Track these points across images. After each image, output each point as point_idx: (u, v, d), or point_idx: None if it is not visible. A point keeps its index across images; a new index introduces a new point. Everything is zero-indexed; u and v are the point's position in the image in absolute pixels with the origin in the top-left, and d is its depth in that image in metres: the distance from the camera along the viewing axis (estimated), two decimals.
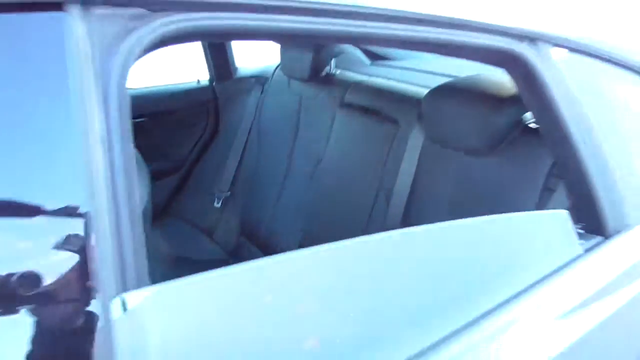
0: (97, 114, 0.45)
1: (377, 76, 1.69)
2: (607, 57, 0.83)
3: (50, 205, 0.44)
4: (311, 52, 1.68)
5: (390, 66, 1.86)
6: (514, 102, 1.03)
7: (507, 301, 0.65)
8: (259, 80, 2.04)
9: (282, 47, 1.84)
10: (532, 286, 0.68)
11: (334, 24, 0.59)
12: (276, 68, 1.99)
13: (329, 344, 0.53)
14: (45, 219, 0.44)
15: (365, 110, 1.53)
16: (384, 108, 1.49)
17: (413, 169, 1.34)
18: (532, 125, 1.07)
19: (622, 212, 0.79)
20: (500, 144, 1.11)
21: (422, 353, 0.57)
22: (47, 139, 0.45)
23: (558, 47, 0.77)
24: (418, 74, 1.67)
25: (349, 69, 1.81)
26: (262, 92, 2.01)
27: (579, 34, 0.82)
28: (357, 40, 1.19)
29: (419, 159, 1.33)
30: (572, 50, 0.79)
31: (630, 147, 0.82)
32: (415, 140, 1.35)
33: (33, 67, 0.45)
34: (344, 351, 0.54)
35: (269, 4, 0.54)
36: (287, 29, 0.57)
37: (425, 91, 1.26)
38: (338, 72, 1.79)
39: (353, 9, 0.59)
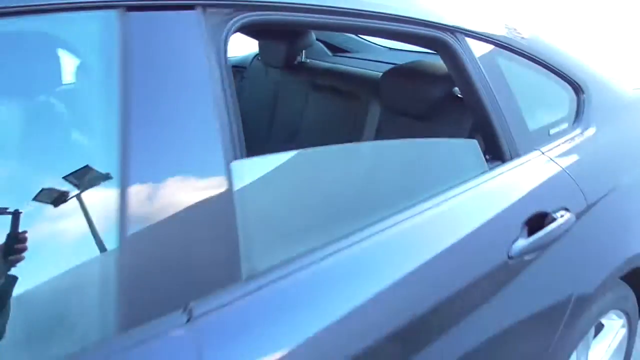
0: (219, 77, 0.80)
1: (341, 64, 2.08)
2: (503, 44, 1.25)
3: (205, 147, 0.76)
4: (285, 44, 2.05)
5: (349, 57, 2.26)
6: (445, 78, 1.44)
7: (431, 197, 1.03)
8: (238, 68, 2.39)
9: (260, 39, 2.20)
10: (450, 188, 1.07)
11: (333, 19, 0.97)
12: (253, 58, 2.35)
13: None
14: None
15: (334, 90, 1.92)
16: (349, 88, 1.88)
17: (373, 133, 1.74)
18: (459, 95, 1.49)
19: (515, 146, 1.21)
20: (437, 110, 1.53)
21: (367, 225, 0.92)
22: (194, 101, 0.77)
23: (470, 37, 1.18)
24: (371, 63, 2.09)
25: (317, 59, 2.20)
26: (241, 79, 2.35)
27: (484, 27, 1.23)
28: (343, 29, 1.54)
29: (378, 125, 1.73)
30: (479, 38, 1.20)
31: (518, 104, 1.24)
32: (374, 111, 1.75)
33: (178, 43, 0.79)
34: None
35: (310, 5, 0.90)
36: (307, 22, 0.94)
37: (378, 75, 1.66)
38: (308, 61, 2.17)
39: (345, 9, 0.97)
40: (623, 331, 1.51)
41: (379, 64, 2.02)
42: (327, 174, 0.93)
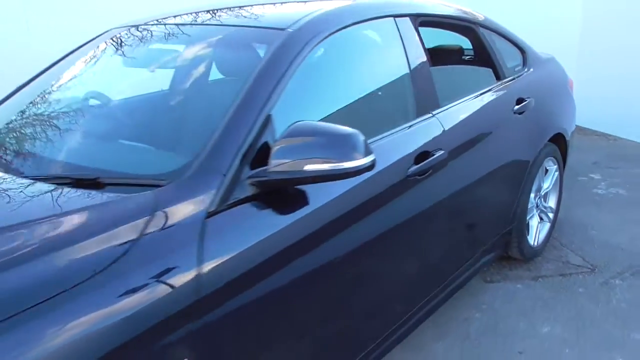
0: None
1: None
2: (496, 29, 2.66)
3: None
4: None
5: None
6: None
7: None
8: None
9: None
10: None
11: None
12: None
13: None
14: None
15: None
16: None
17: None
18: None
19: (504, 73, 2.61)
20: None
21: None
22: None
23: (480, 26, 2.56)
24: None
25: None
26: None
27: (485, 20, 2.62)
28: None
29: None
30: (484, 26, 2.60)
31: (503, 55, 2.65)
32: None
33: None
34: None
35: None
36: None
37: None
38: None
39: None
40: (557, 173, 2.95)
41: None
42: None
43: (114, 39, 1.93)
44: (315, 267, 1.40)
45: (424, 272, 1.97)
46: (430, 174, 1.79)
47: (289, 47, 1.54)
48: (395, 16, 1.98)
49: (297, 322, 1.41)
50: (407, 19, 2.03)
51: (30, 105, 1.77)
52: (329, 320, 1.52)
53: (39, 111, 1.74)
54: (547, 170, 2.88)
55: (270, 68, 1.47)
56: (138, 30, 1.89)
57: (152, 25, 1.90)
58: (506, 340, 2.23)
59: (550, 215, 2.95)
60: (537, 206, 2.83)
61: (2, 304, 0.93)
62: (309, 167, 1.26)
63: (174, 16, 1.93)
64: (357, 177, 1.32)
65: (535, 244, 2.82)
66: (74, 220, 1.12)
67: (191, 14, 1.93)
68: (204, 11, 1.93)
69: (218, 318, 1.16)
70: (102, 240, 1.07)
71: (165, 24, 1.88)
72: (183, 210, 1.18)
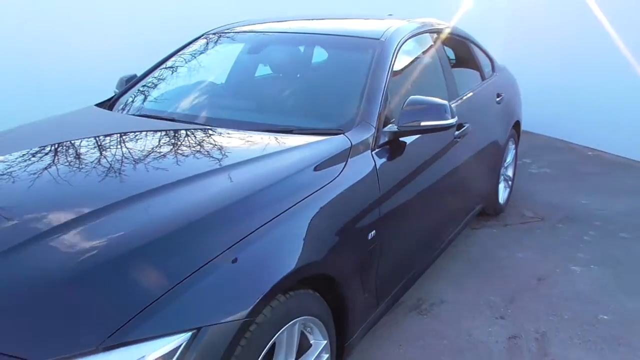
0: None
1: None
2: (471, 40, 3.63)
3: None
4: None
5: None
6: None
7: None
8: None
9: None
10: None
11: None
12: None
13: None
14: None
15: None
16: None
17: None
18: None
19: (485, 75, 3.59)
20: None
21: None
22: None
23: (455, 36, 3.52)
24: None
25: None
26: None
27: (463, 32, 3.58)
28: None
29: None
30: (463, 37, 3.55)
31: (482, 61, 3.62)
32: None
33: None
34: None
35: None
36: None
37: None
38: None
39: None
40: (514, 151, 4.00)
41: None
42: None
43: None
44: (419, 181, 2.26)
45: (458, 205, 2.90)
46: (461, 138, 2.69)
47: (386, 51, 2.36)
48: (429, 32, 2.86)
49: (420, 207, 2.28)
50: (435, 34, 2.93)
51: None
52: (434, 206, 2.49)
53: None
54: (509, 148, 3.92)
55: (380, 63, 2.28)
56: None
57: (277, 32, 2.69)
58: (494, 262, 3.18)
59: (509, 182, 3.99)
60: (502, 174, 3.85)
61: (285, 200, 1.60)
62: (424, 123, 2.09)
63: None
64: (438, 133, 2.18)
65: (502, 202, 3.84)
66: (313, 150, 1.86)
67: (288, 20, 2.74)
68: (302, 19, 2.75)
69: (388, 206, 1.95)
70: (333, 159, 1.82)
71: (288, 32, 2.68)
72: (361, 146, 1.96)
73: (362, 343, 2.16)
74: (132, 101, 2.54)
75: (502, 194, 3.85)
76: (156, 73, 2.70)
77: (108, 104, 2.59)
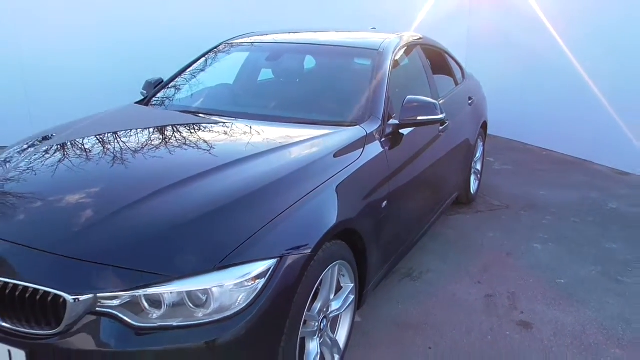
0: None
1: None
2: (445, 50, 4.19)
3: None
4: None
5: None
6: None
7: None
8: None
9: None
10: None
11: None
12: None
13: None
14: None
15: None
16: None
17: None
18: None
19: (458, 80, 4.15)
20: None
21: None
22: None
23: (427, 46, 4.07)
24: None
25: None
26: None
27: (437, 44, 4.13)
28: None
29: None
30: (438, 48, 4.11)
31: (456, 70, 4.17)
32: None
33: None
34: None
35: None
36: None
37: None
38: None
39: None
40: (482, 148, 4.58)
41: None
42: None
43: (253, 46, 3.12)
44: (415, 165, 2.76)
45: (443, 189, 3.42)
46: (444, 133, 3.21)
47: (384, 59, 2.86)
48: (414, 44, 3.39)
49: (415, 187, 2.77)
50: (419, 46, 3.46)
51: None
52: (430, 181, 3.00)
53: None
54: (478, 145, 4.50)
55: (381, 69, 2.78)
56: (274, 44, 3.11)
57: (283, 43, 3.13)
58: (469, 240, 3.72)
59: (478, 175, 4.56)
60: (473, 168, 4.42)
61: (325, 172, 2.07)
62: (420, 117, 2.59)
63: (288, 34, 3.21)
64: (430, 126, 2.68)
65: (473, 192, 4.40)
66: (339, 137, 2.33)
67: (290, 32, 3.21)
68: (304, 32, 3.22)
69: (397, 182, 2.44)
70: (354, 145, 2.30)
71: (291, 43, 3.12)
72: (374, 135, 2.44)
73: (368, 302, 2.63)
74: (172, 97, 2.97)
75: (473, 185, 4.41)
76: (186, 75, 3.11)
77: (144, 102, 2.98)
